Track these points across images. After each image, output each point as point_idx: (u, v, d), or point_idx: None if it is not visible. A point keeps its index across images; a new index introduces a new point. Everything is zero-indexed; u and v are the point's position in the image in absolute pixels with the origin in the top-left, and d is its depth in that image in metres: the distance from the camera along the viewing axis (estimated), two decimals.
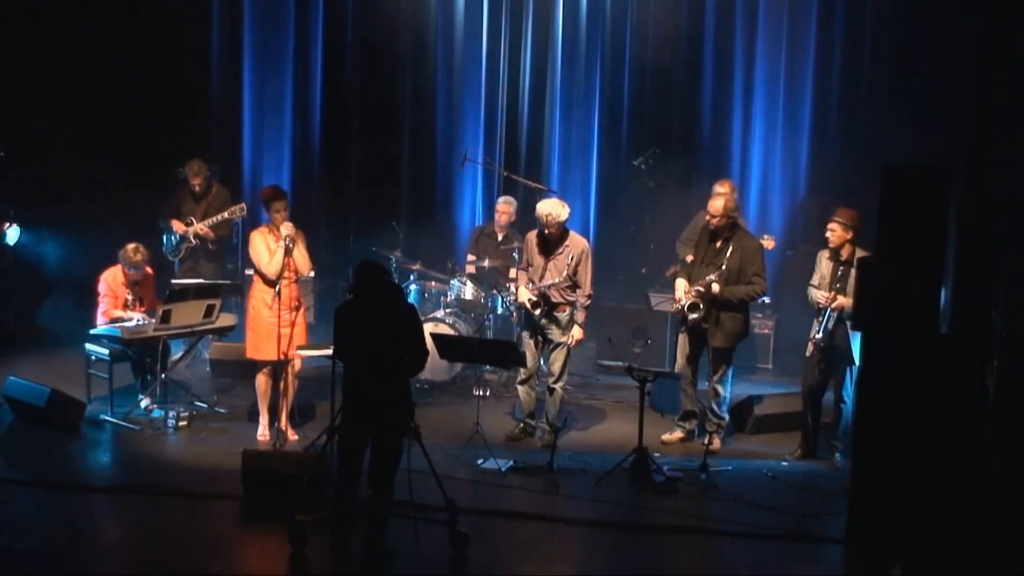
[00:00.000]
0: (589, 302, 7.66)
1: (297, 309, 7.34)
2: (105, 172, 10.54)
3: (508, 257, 9.13)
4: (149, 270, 8.29)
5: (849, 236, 7.16)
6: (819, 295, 7.17)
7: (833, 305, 7.10)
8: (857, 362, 7.08)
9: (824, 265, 7.28)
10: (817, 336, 7.16)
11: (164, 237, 9.34)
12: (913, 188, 5.75)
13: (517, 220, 9.46)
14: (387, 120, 11.61)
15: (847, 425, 7.27)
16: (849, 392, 7.23)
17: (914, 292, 5.68)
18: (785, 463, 7.39)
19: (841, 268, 7.14)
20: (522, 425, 7.79)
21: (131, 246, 8.07)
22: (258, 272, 7.41)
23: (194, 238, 9.20)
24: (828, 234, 7.20)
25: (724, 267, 7.32)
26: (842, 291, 7.09)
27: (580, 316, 7.62)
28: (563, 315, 7.58)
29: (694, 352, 7.63)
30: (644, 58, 11.19)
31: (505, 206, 9.40)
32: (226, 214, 9.06)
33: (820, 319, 7.18)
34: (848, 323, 7.03)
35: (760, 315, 9.95)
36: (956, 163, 6.53)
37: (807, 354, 7.37)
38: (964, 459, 5.62)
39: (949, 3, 9.45)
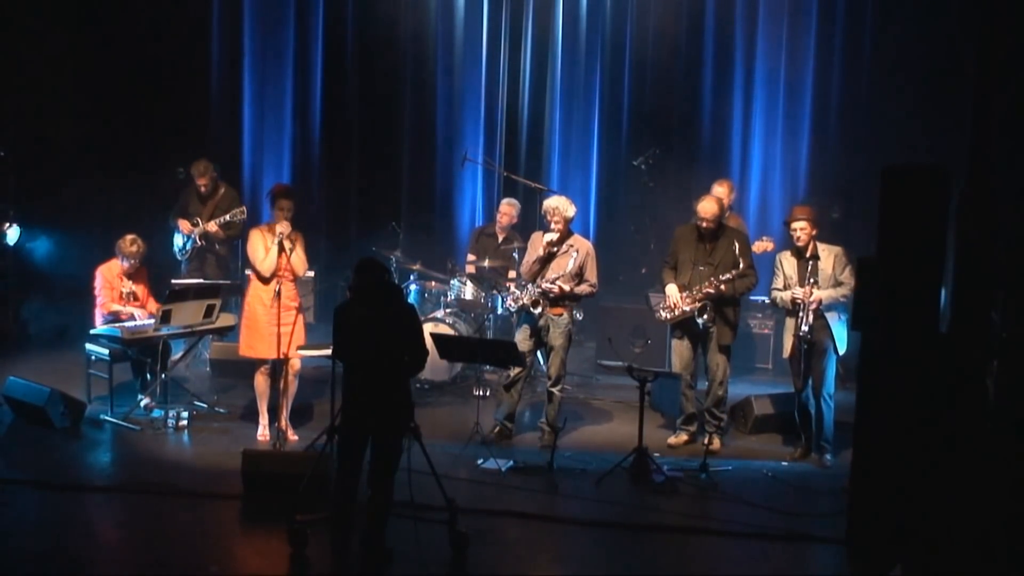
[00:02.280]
0: (593, 291, 7.64)
1: (297, 310, 7.35)
2: (105, 172, 10.55)
3: (508, 257, 9.13)
4: (143, 269, 8.30)
5: (814, 232, 7.21)
6: (796, 292, 7.17)
7: (811, 299, 7.11)
8: (841, 351, 7.17)
9: (787, 266, 7.31)
10: (804, 330, 7.16)
11: (175, 238, 9.36)
12: (913, 188, 5.75)
13: (518, 222, 9.45)
14: (387, 120, 11.62)
15: (831, 423, 7.28)
16: (831, 388, 7.25)
17: (914, 292, 5.67)
18: (785, 463, 7.39)
19: (810, 264, 7.17)
20: (499, 427, 7.76)
21: (129, 237, 8.11)
22: (254, 270, 7.42)
23: (200, 239, 9.22)
24: (798, 234, 7.22)
25: (741, 266, 7.33)
26: (815, 285, 7.12)
27: (582, 288, 7.57)
28: (561, 318, 7.57)
29: (691, 355, 7.63)
30: (644, 58, 11.21)
31: (508, 208, 9.39)
32: (228, 217, 9.06)
33: (800, 317, 7.18)
34: (826, 317, 7.10)
35: (760, 315, 9.96)
36: (956, 163, 6.53)
37: (785, 354, 7.38)
38: (964, 459, 5.61)
39: (949, 3, 9.46)
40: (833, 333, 7.15)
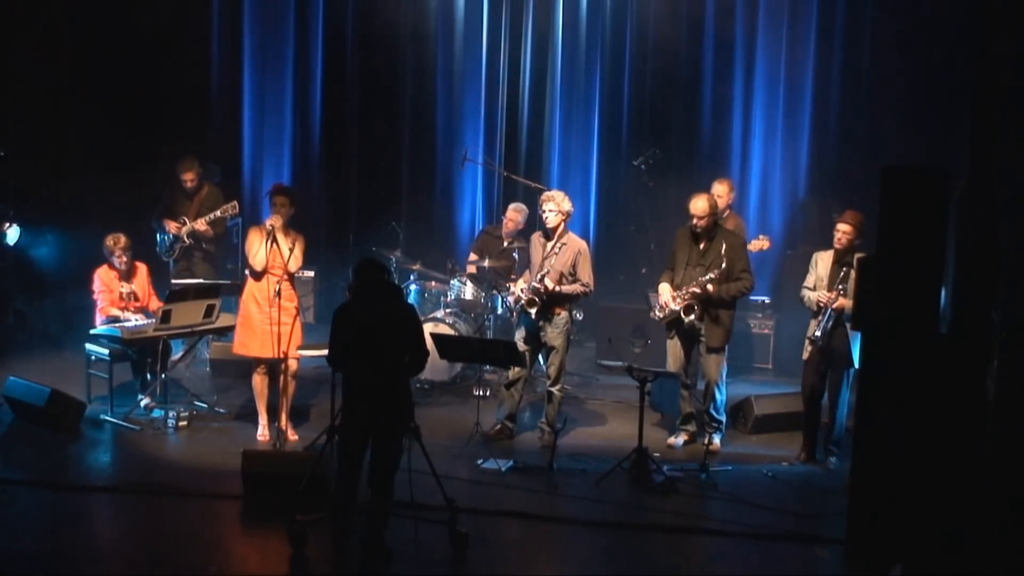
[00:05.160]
0: (585, 290, 7.60)
1: (295, 310, 7.35)
2: (105, 172, 10.54)
3: (510, 258, 9.12)
4: (139, 265, 8.29)
5: (857, 240, 7.14)
6: (820, 295, 7.15)
7: (834, 306, 7.08)
8: (857, 364, 7.07)
9: (821, 267, 7.24)
10: (816, 335, 7.15)
11: (158, 238, 9.33)
12: (913, 188, 5.75)
13: (524, 227, 9.39)
14: (387, 120, 11.62)
15: (842, 428, 7.27)
16: (845, 396, 7.21)
17: (914, 292, 5.67)
18: (786, 465, 7.37)
19: (843, 269, 7.13)
20: (500, 426, 7.75)
21: (110, 237, 8.11)
22: (248, 265, 7.46)
23: (187, 237, 9.18)
24: (839, 236, 7.14)
25: (724, 266, 7.31)
26: (843, 292, 7.08)
27: (573, 288, 7.54)
28: (559, 317, 7.57)
29: (686, 355, 7.62)
30: (644, 58, 11.21)
31: (514, 214, 9.35)
32: (218, 212, 9.04)
33: (819, 320, 7.16)
34: (848, 325, 7.02)
35: (760, 315, 9.96)
36: (956, 163, 6.52)
37: (804, 356, 7.35)
38: (964, 459, 5.61)
39: (949, 3, 9.46)
40: (851, 344, 7.03)
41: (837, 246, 7.17)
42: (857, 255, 7.07)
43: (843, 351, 7.11)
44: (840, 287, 7.09)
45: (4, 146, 10.01)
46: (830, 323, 7.10)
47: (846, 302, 7.02)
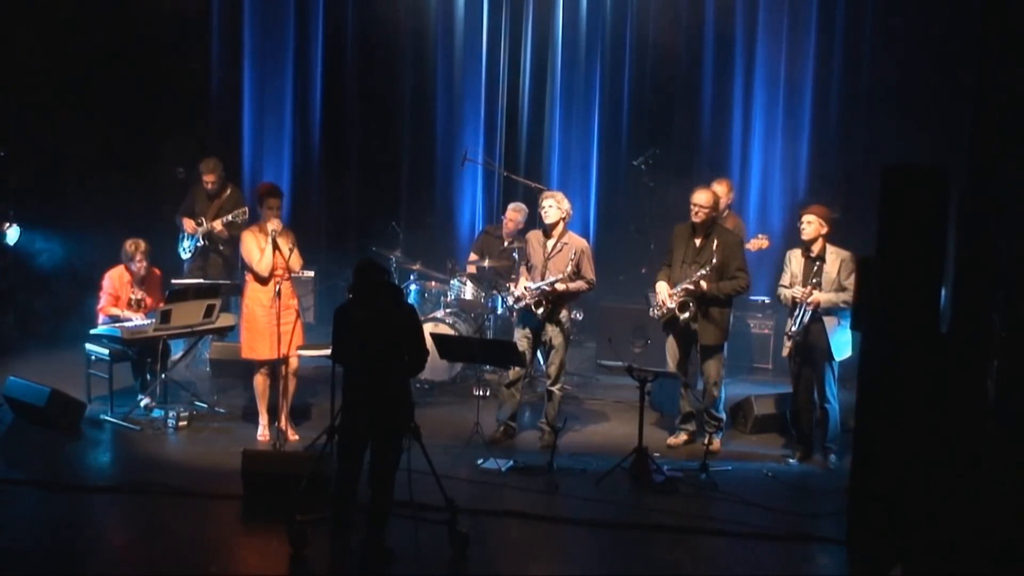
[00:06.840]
0: (589, 287, 7.65)
1: (296, 310, 7.36)
2: (105, 172, 10.55)
3: (510, 258, 9.12)
4: (156, 271, 8.31)
5: (824, 232, 7.19)
6: (796, 291, 7.18)
7: (809, 300, 7.10)
8: (837, 357, 7.13)
9: (795, 263, 7.29)
10: (793, 329, 7.16)
11: (181, 237, 9.35)
12: (913, 188, 5.75)
13: (524, 227, 9.39)
14: (387, 120, 11.62)
15: (837, 425, 7.27)
16: (833, 390, 7.23)
17: (914, 292, 5.67)
18: (786, 464, 7.37)
19: (816, 264, 7.16)
20: (503, 428, 7.76)
21: (128, 241, 8.10)
22: (251, 271, 7.44)
23: (203, 238, 9.20)
24: (803, 226, 7.20)
25: (715, 261, 7.31)
26: (816, 287, 7.11)
27: (578, 285, 7.57)
28: (561, 316, 7.57)
29: (684, 354, 7.62)
30: (644, 58, 11.21)
31: (514, 214, 9.35)
32: (230, 216, 9.06)
33: (795, 315, 7.19)
34: (824, 320, 7.08)
35: (760, 315, 9.95)
36: (956, 163, 6.53)
37: (784, 353, 7.38)
38: (964, 459, 5.61)
39: (949, 3, 9.46)
40: (829, 338, 7.10)
41: (804, 237, 7.23)
42: (828, 251, 7.12)
43: (822, 345, 7.15)
44: (813, 280, 7.12)
45: (4, 146, 10.01)
46: (806, 318, 7.12)
47: (821, 297, 7.06)
